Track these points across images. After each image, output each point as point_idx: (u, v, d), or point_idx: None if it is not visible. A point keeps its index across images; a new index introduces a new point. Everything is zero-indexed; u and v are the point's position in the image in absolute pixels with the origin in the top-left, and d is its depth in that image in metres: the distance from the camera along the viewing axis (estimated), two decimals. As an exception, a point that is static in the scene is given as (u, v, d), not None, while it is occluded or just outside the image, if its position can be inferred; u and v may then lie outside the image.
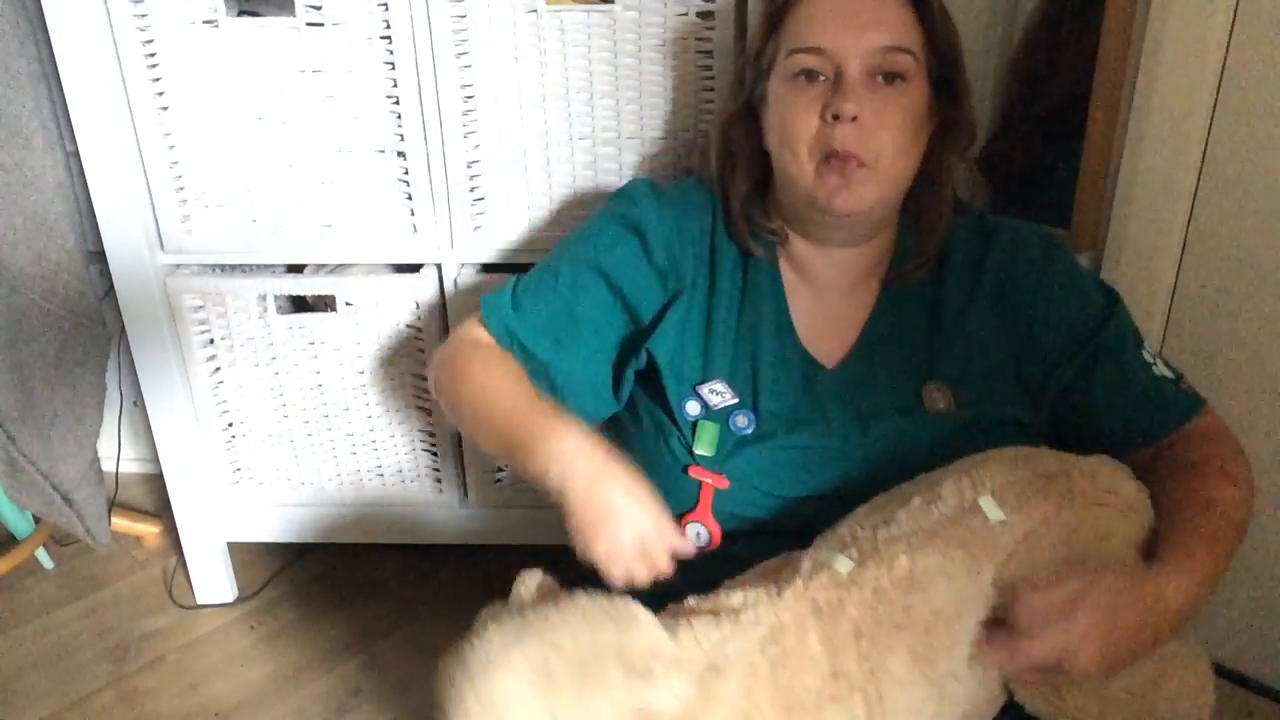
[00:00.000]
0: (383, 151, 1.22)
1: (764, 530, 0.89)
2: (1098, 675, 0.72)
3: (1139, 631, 0.72)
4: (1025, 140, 1.49)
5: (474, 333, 0.99)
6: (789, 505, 0.88)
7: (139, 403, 1.63)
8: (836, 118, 0.83)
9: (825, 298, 0.94)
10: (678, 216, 0.96)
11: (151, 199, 1.26)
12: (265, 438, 1.41)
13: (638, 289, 0.95)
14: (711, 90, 1.16)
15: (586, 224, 0.99)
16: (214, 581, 1.53)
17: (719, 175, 0.96)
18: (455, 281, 1.28)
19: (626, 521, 0.79)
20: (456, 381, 0.95)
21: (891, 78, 0.84)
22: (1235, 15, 1.13)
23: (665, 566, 0.80)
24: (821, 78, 0.85)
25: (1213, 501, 0.80)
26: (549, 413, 0.87)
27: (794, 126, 0.86)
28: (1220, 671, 1.36)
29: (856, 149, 0.83)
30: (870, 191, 0.84)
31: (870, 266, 0.94)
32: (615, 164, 1.21)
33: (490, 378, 0.93)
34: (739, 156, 0.95)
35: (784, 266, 0.95)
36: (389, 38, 1.15)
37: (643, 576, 0.79)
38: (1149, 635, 0.72)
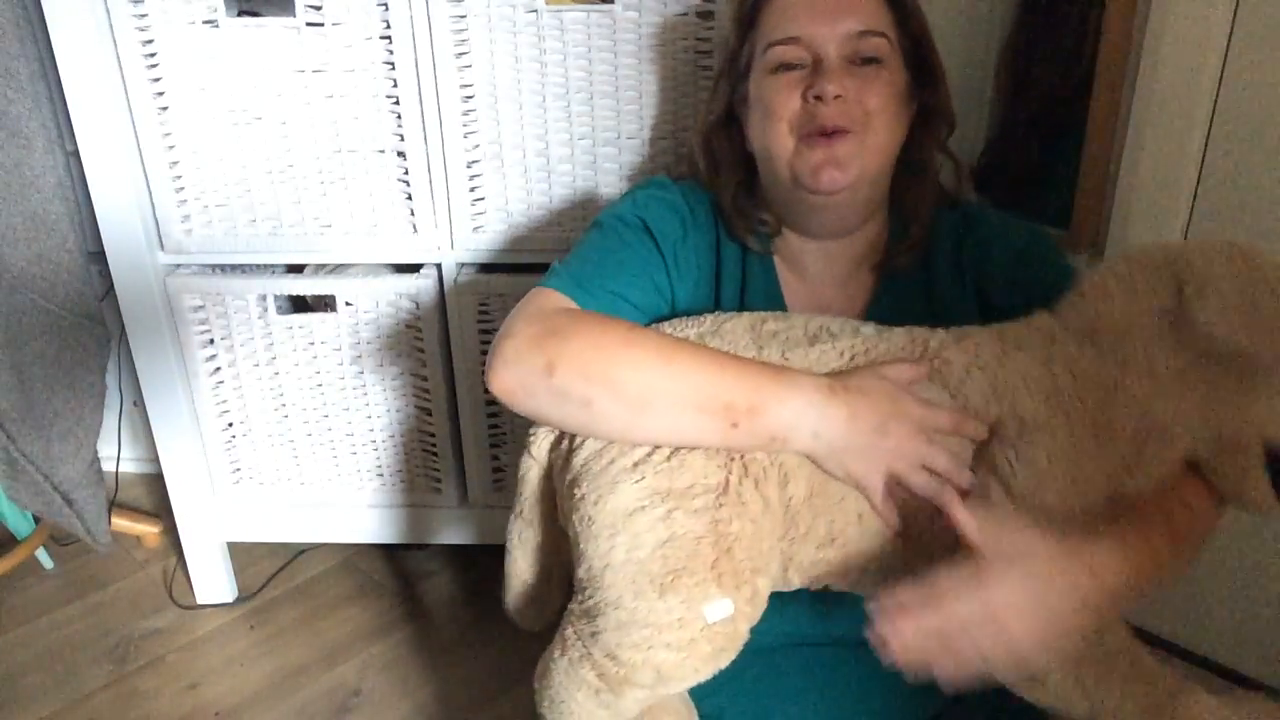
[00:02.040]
0: (383, 151, 1.22)
1: None
2: (1030, 649, 0.70)
3: (1074, 611, 0.70)
4: (1020, 142, 1.49)
5: (553, 301, 0.84)
6: None
7: (139, 403, 1.63)
8: (819, 98, 0.84)
9: (819, 291, 0.95)
10: (694, 212, 0.96)
11: (151, 199, 1.26)
12: (265, 438, 1.41)
13: (677, 260, 0.93)
14: (711, 90, 1.16)
15: (620, 201, 0.97)
16: (214, 581, 1.53)
17: (707, 179, 0.97)
18: (455, 281, 1.28)
19: (894, 438, 0.75)
20: (605, 355, 0.77)
21: (868, 60, 0.86)
22: (1235, 15, 1.13)
23: (952, 469, 0.75)
24: (800, 66, 0.86)
25: (1183, 500, 0.77)
26: (755, 366, 0.77)
27: (776, 107, 0.86)
28: (1220, 671, 1.37)
29: (843, 122, 0.84)
30: (854, 165, 0.85)
31: (861, 257, 0.94)
32: (615, 164, 1.21)
33: (650, 341, 0.79)
34: (723, 162, 0.95)
35: (778, 262, 0.95)
36: (389, 38, 1.15)
37: (920, 483, 0.75)
38: (1081, 607, 0.70)
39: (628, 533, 0.75)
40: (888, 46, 0.86)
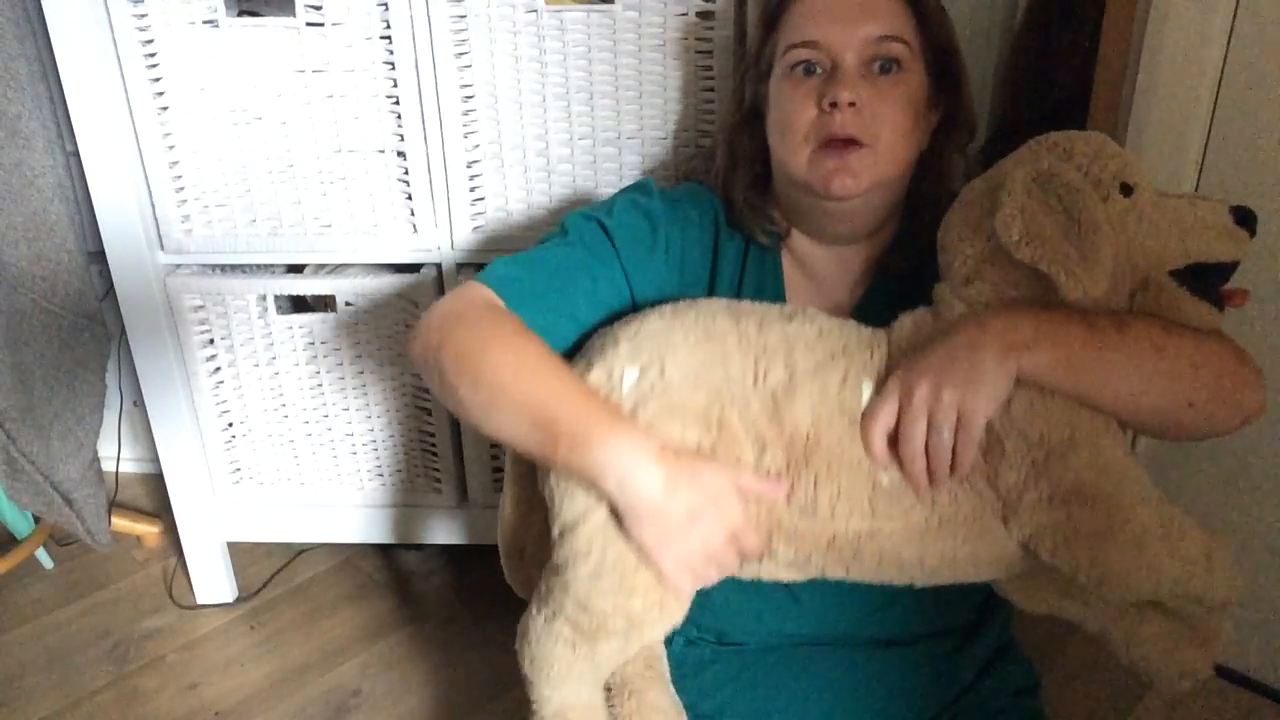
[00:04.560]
0: (383, 151, 1.22)
1: None
2: (951, 402, 0.73)
3: (972, 348, 0.73)
4: (1021, 140, 1.49)
5: (483, 293, 0.88)
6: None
7: (139, 403, 1.63)
8: (834, 105, 0.83)
9: (827, 292, 0.94)
10: (682, 216, 0.96)
11: (151, 199, 1.26)
12: (265, 438, 1.41)
13: (641, 267, 0.93)
14: (711, 90, 1.16)
15: (595, 203, 0.98)
16: (214, 581, 1.53)
17: (723, 175, 0.97)
18: (455, 282, 1.28)
19: (704, 529, 0.75)
20: (481, 348, 0.81)
21: (888, 66, 0.85)
22: (1235, 15, 1.13)
23: (733, 567, 0.78)
24: (819, 70, 0.86)
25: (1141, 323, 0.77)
26: (601, 404, 0.78)
27: (791, 116, 0.86)
28: (1220, 672, 1.37)
29: (855, 131, 0.83)
30: (867, 174, 0.84)
31: (871, 262, 0.94)
32: (615, 164, 1.21)
33: (527, 349, 0.81)
34: (742, 157, 0.95)
35: (786, 260, 0.95)
36: (389, 38, 1.15)
37: (712, 579, 0.78)
38: (982, 355, 0.73)
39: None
40: (908, 52, 0.86)
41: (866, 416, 0.76)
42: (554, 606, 0.80)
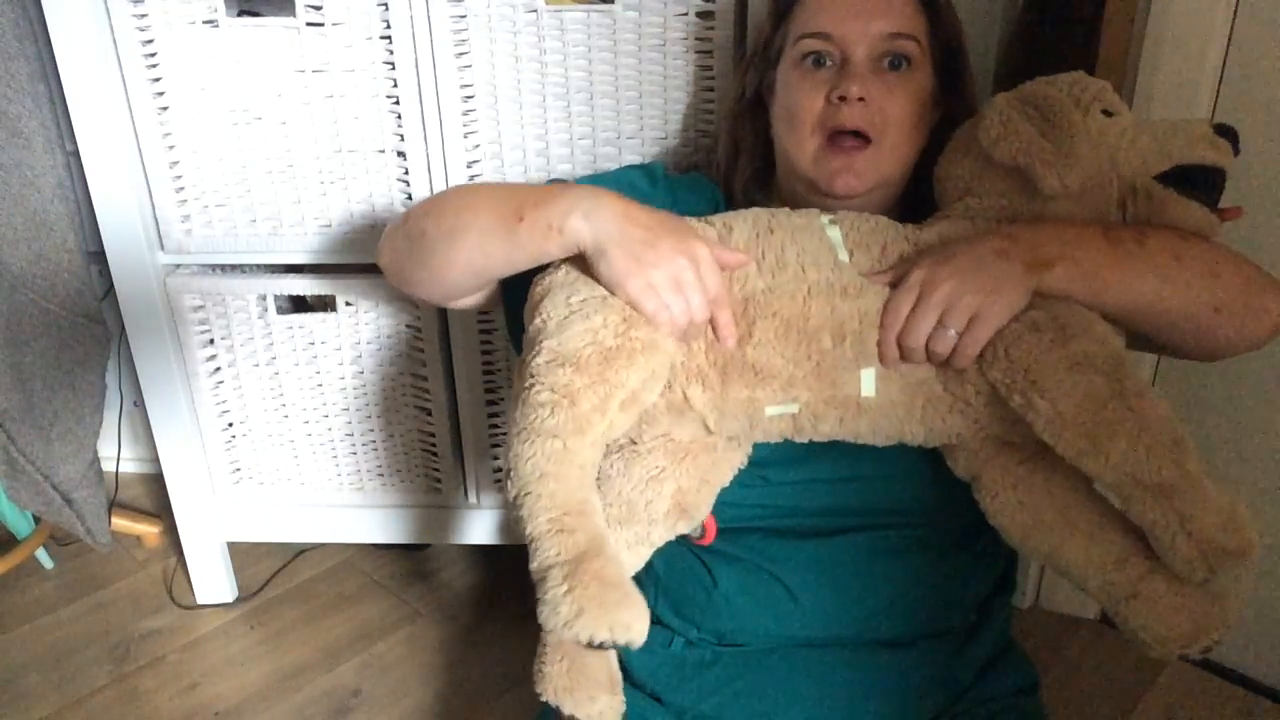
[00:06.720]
0: (383, 151, 1.22)
1: (757, 529, 0.90)
2: (968, 300, 0.73)
3: (1000, 258, 0.74)
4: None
5: None
6: (784, 491, 0.88)
7: (139, 403, 1.63)
8: (843, 99, 0.83)
9: None
10: (681, 203, 0.96)
11: (151, 199, 1.27)
12: (265, 438, 1.41)
13: None
14: (711, 90, 1.16)
15: (597, 174, 0.99)
16: (214, 581, 1.53)
17: (724, 163, 0.97)
18: (455, 281, 1.28)
19: (666, 251, 0.74)
20: (441, 196, 0.88)
21: (898, 63, 0.86)
22: (1235, 15, 1.13)
23: (700, 309, 0.75)
24: (828, 63, 0.86)
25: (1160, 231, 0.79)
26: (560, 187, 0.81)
27: (799, 107, 0.87)
28: (1220, 672, 1.37)
29: (863, 125, 0.84)
30: (871, 173, 0.85)
31: None
32: (615, 164, 1.21)
33: (485, 184, 0.90)
34: (744, 146, 0.96)
35: None
36: (389, 38, 1.15)
37: (678, 313, 0.75)
38: (1008, 267, 0.74)
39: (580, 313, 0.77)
40: (919, 50, 0.86)
41: (887, 311, 0.76)
42: (528, 382, 0.74)
